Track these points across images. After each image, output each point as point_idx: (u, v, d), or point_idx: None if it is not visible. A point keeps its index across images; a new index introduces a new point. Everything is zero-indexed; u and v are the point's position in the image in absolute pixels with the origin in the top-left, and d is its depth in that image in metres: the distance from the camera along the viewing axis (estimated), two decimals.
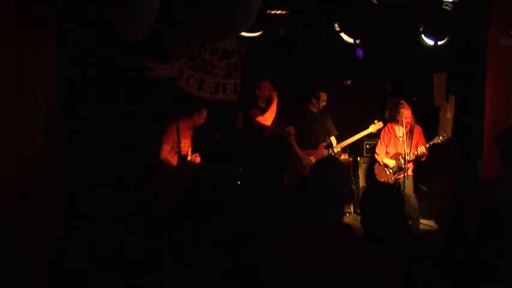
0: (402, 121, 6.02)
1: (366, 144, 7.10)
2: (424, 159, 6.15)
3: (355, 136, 6.40)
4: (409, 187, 6.13)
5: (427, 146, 6.06)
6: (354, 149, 7.12)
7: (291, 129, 5.84)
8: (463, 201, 4.52)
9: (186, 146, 5.87)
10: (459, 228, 3.44)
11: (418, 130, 6.27)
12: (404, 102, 6.09)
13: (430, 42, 5.40)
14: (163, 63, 6.66)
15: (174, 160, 5.74)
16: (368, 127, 6.45)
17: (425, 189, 6.58)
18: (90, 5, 3.80)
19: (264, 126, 5.50)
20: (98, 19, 3.75)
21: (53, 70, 4.02)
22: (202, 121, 6.01)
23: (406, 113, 6.06)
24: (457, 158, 5.61)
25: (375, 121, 6.46)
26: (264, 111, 5.60)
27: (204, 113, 5.99)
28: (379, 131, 6.49)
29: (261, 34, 5.93)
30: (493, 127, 4.63)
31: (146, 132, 6.06)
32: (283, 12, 5.64)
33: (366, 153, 7.13)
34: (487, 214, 2.58)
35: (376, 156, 6.47)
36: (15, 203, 3.41)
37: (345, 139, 6.46)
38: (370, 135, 6.87)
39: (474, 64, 5.00)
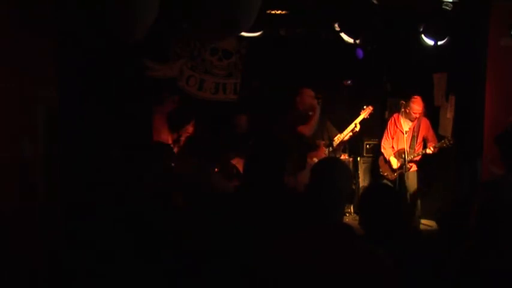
0: (411, 115, 6.00)
1: (366, 144, 7.10)
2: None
3: (349, 127, 6.34)
4: (412, 183, 6.12)
5: (434, 148, 5.99)
6: (354, 149, 7.12)
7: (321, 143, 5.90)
8: (463, 201, 4.51)
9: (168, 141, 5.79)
10: (459, 228, 3.44)
11: (425, 123, 6.19)
12: (418, 97, 6.05)
13: (430, 42, 5.40)
14: (163, 63, 6.66)
15: None
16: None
17: (426, 189, 6.58)
18: (90, 5, 3.79)
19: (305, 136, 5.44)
20: (98, 19, 3.75)
21: (53, 70, 4.02)
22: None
23: (417, 108, 5.99)
24: (457, 158, 5.61)
25: (364, 107, 6.40)
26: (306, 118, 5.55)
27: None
28: (374, 123, 6.45)
29: (261, 34, 5.93)
30: (493, 127, 4.63)
31: (146, 132, 6.05)
32: (283, 12, 5.63)
33: (366, 153, 7.12)
34: (487, 214, 2.58)
35: (382, 149, 6.42)
36: (15, 203, 3.41)
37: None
38: (370, 135, 6.88)
39: (474, 64, 5.00)
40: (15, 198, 3.41)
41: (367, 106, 6.38)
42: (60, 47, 4.07)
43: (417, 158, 6.15)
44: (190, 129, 5.74)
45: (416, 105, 6.00)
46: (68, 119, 4.21)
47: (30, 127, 3.66)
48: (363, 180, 7.08)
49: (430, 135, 6.16)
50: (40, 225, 3.72)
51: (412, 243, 2.72)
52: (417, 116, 6.03)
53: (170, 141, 5.75)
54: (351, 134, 6.31)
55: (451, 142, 5.88)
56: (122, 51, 5.51)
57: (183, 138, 5.73)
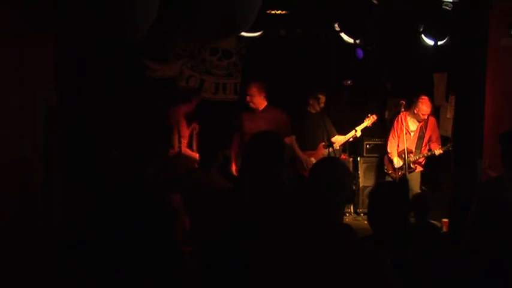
0: (419, 116, 5.98)
1: (366, 144, 7.10)
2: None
3: (351, 133, 6.35)
4: (416, 183, 6.11)
5: (440, 151, 5.97)
6: (354, 149, 7.13)
7: (292, 139, 5.87)
8: (463, 201, 4.51)
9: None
10: (459, 227, 3.43)
11: (432, 124, 6.15)
12: (426, 97, 6.01)
13: (430, 42, 5.40)
14: (163, 63, 6.66)
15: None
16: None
17: (425, 189, 6.58)
18: (90, 5, 3.79)
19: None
20: (98, 19, 3.75)
21: (53, 70, 4.02)
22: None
23: (425, 109, 5.96)
24: (457, 158, 5.60)
25: (369, 115, 6.37)
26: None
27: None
28: (374, 124, 6.42)
29: (261, 34, 5.93)
30: (493, 127, 4.62)
31: (146, 132, 6.05)
32: (283, 12, 5.63)
33: (366, 153, 7.13)
34: (487, 214, 2.57)
35: (388, 149, 6.37)
36: (15, 203, 3.41)
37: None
38: (370, 135, 6.88)
39: (474, 64, 4.99)
40: (15, 198, 3.41)
41: (371, 115, 6.36)
42: (60, 47, 4.07)
43: (421, 160, 6.13)
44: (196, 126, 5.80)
45: (425, 106, 5.97)
46: (67, 119, 4.21)
47: (30, 127, 3.66)
48: (363, 180, 7.08)
49: (435, 135, 6.14)
50: (40, 225, 3.72)
51: (413, 242, 2.72)
52: (425, 117, 6.01)
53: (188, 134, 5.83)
54: (351, 139, 6.34)
55: None
56: (122, 51, 5.52)
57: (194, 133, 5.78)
